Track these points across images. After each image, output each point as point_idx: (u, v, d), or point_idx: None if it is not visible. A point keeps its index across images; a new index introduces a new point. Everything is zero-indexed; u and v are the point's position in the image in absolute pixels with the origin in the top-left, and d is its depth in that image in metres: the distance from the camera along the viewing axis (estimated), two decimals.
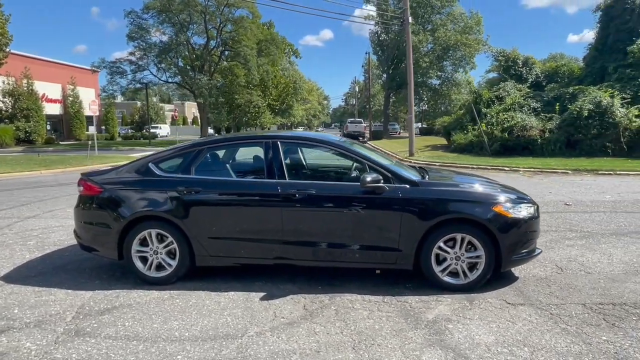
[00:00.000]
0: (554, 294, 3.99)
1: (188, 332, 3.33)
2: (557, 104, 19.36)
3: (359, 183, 4.15)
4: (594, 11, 21.84)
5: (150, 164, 4.38)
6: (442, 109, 47.57)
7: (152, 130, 41.95)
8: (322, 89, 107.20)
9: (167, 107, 74.51)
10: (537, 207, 4.33)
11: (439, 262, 4.07)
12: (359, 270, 4.51)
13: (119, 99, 55.49)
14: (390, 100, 53.12)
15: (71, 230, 6.62)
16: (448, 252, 4.04)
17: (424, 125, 55.90)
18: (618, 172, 12.84)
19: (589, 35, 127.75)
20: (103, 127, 42.82)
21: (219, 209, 4.21)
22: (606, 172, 12.93)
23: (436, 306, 3.78)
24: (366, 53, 46.62)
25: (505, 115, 20.11)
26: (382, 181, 3.99)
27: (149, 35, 33.06)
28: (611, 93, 17.97)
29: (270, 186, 4.13)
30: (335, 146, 4.45)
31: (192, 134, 57.28)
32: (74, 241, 5.97)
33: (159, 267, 4.32)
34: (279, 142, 4.30)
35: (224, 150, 4.59)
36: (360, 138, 37.06)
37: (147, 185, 4.28)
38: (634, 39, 19.58)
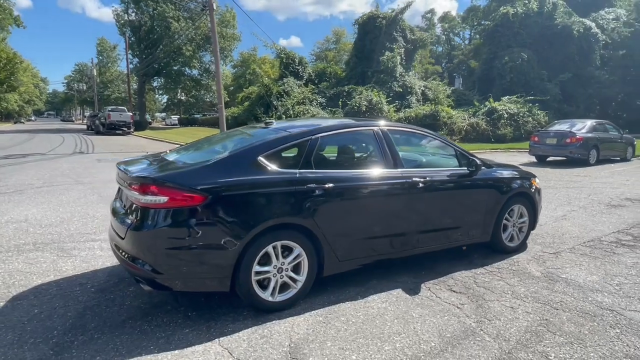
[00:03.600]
0: (559, 242, 5.35)
1: (428, 344, 2.95)
2: (340, 100, 22.85)
3: (453, 169, 4.43)
4: (353, 24, 26.59)
5: (260, 158, 3.31)
6: (207, 99, 47.44)
7: None
8: (37, 68, 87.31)
9: None
10: None
11: (503, 230, 4.82)
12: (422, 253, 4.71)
13: None
14: (146, 88, 48.92)
15: None
16: (509, 221, 4.84)
17: (183, 116, 54.18)
18: None
19: (295, 40, 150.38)
20: None
21: (356, 206, 3.64)
22: None
23: (525, 265, 4.52)
24: (124, 34, 40.89)
25: (301, 108, 22.29)
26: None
27: None
28: (378, 93, 22.61)
29: (398, 176, 3.88)
30: (432, 134, 4.53)
31: None
32: (17, 289, 3.74)
33: (282, 287, 3.40)
34: (387, 130, 4.06)
35: (332, 140, 3.90)
36: (125, 129, 32.87)
37: (270, 186, 3.25)
38: (383, 51, 25.02)
